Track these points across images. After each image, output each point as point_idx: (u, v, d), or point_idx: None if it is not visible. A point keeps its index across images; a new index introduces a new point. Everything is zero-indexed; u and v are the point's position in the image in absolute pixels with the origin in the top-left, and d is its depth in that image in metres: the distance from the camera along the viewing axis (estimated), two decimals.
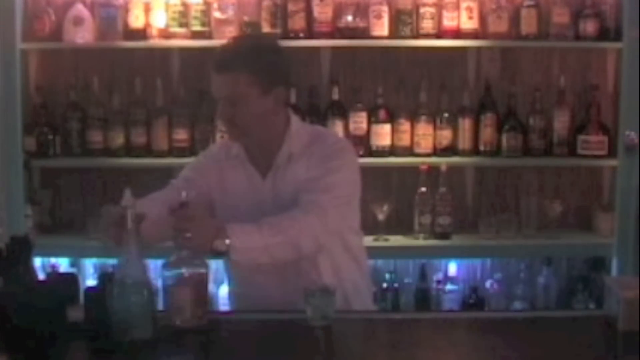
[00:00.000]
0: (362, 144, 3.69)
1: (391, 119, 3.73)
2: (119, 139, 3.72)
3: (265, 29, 3.66)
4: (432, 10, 3.66)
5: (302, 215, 2.32)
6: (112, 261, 2.10)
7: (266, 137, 2.46)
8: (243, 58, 2.36)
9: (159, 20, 3.66)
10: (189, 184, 2.45)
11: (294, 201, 2.41)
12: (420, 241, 3.69)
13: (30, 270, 2.15)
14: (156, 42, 3.68)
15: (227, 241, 2.20)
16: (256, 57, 2.37)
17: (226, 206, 2.51)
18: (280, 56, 2.45)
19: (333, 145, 2.50)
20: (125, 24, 3.68)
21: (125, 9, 3.68)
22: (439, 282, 3.80)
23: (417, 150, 3.73)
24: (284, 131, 2.47)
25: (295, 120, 2.54)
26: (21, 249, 2.13)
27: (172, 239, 2.14)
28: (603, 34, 3.69)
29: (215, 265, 3.84)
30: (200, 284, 2.12)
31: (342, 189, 2.44)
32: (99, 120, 3.73)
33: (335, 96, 3.70)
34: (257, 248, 2.26)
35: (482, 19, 3.71)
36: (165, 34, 3.67)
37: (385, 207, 3.64)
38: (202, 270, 2.12)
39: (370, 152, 3.72)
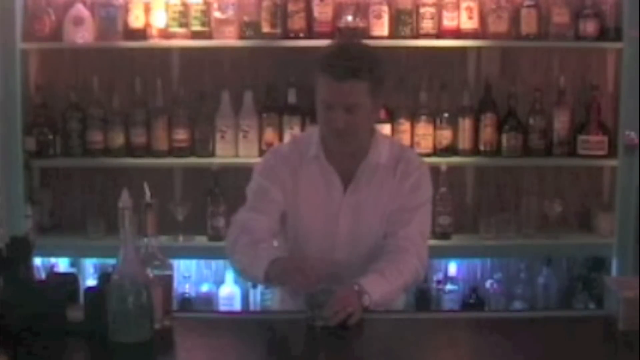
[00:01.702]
0: None
1: (391, 119, 3.72)
2: (119, 139, 3.72)
3: (265, 29, 3.66)
4: (432, 10, 3.66)
5: (409, 257, 2.43)
6: (112, 261, 2.11)
7: (360, 144, 2.47)
8: (367, 67, 2.36)
9: (159, 20, 3.66)
10: (265, 196, 2.47)
11: (371, 217, 2.47)
12: None
13: (30, 270, 2.15)
14: (156, 42, 3.68)
15: (367, 297, 2.25)
16: (373, 67, 2.38)
17: (299, 216, 2.50)
18: (386, 66, 2.47)
19: (419, 168, 2.56)
20: (125, 24, 3.68)
21: (125, 9, 3.67)
22: (439, 282, 3.80)
23: (417, 150, 3.73)
24: (369, 141, 2.49)
25: (378, 130, 2.58)
26: (21, 249, 2.13)
27: (311, 317, 2.17)
28: (603, 34, 3.68)
29: (215, 266, 3.86)
30: (167, 286, 2.11)
31: (429, 220, 2.59)
32: (99, 120, 3.73)
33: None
34: (389, 293, 2.36)
35: (482, 19, 3.71)
36: (165, 34, 3.67)
37: None
38: (168, 272, 2.12)
39: None
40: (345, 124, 2.37)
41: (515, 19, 3.70)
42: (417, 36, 3.69)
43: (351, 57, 2.38)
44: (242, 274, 2.54)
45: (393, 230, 2.48)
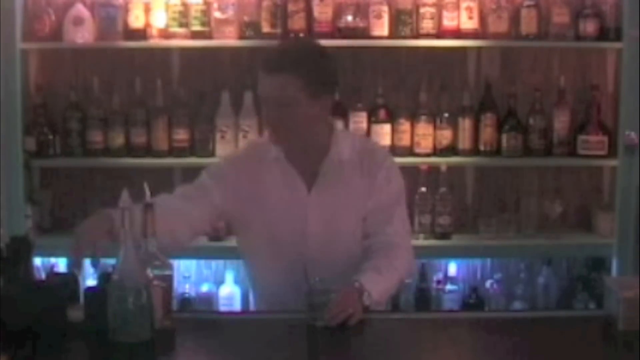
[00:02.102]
0: None
1: (391, 119, 3.73)
2: (119, 139, 3.72)
3: (265, 29, 3.66)
4: (432, 10, 3.66)
5: (401, 251, 2.44)
6: (112, 261, 2.11)
7: (310, 143, 2.43)
8: (295, 60, 2.32)
9: (159, 20, 3.66)
10: (203, 193, 2.42)
11: (343, 216, 2.44)
12: (420, 241, 3.69)
13: (30, 270, 2.15)
14: (156, 42, 3.68)
15: (366, 297, 2.26)
16: (307, 61, 2.34)
17: (266, 221, 2.46)
18: (330, 65, 2.42)
19: (385, 160, 2.53)
20: (125, 24, 3.68)
21: (125, 9, 3.67)
22: (439, 282, 3.80)
23: (417, 150, 3.73)
24: (329, 138, 2.46)
25: (338, 127, 2.55)
26: (21, 249, 2.13)
27: (311, 317, 2.16)
28: (603, 34, 3.68)
29: (215, 266, 3.86)
30: (167, 286, 2.11)
31: (406, 211, 2.56)
32: (99, 120, 3.73)
33: (336, 96, 3.69)
34: (387, 290, 2.39)
35: (482, 19, 3.71)
36: (165, 34, 3.67)
37: None
38: (168, 272, 2.12)
39: None
40: (278, 119, 2.34)
41: (515, 19, 3.70)
42: (417, 36, 3.69)
43: (282, 51, 2.38)
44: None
45: (377, 229, 2.46)
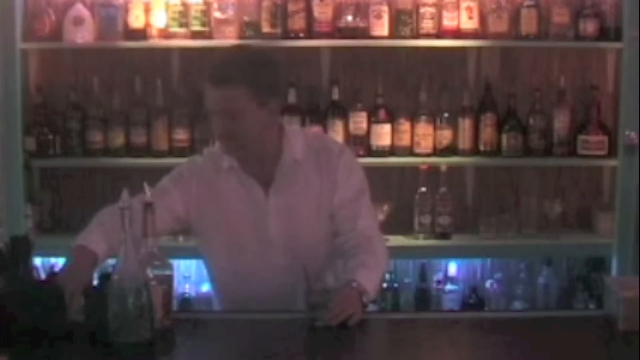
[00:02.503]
0: (362, 144, 3.69)
1: (391, 119, 3.73)
2: (119, 139, 3.72)
3: (265, 29, 3.66)
4: (432, 10, 3.66)
5: (377, 242, 2.43)
6: (111, 261, 2.11)
7: (262, 148, 2.41)
8: (240, 72, 2.28)
9: (159, 20, 3.66)
10: (164, 196, 2.40)
11: (305, 216, 2.43)
12: (420, 241, 3.69)
13: (30, 270, 2.15)
14: (156, 42, 3.68)
15: (365, 296, 2.24)
16: (253, 70, 2.31)
17: (227, 229, 2.45)
18: (275, 69, 2.39)
19: (342, 155, 2.49)
20: (125, 24, 3.68)
21: (125, 9, 3.68)
22: (439, 282, 3.80)
23: (417, 150, 3.73)
24: (280, 140, 2.44)
25: (288, 126, 2.53)
26: (21, 249, 2.13)
27: (311, 317, 2.16)
28: (603, 34, 3.69)
29: None
30: (167, 286, 2.11)
31: (369, 200, 2.52)
32: (99, 120, 3.73)
33: (335, 96, 3.70)
34: (378, 285, 2.36)
35: (482, 19, 3.71)
36: (165, 34, 3.67)
37: (385, 207, 3.63)
38: (168, 272, 2.11)
39: (370, 152, 3.72)
40: (228, 130, 2.32)
41: (515, 19, 3.70)
42: (417, 36, 3.69)
43: (226, 63, 2.33)
44: None
45: (348, 225, 2.44)
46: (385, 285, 3.74)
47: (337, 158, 2.47)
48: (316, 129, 3.59)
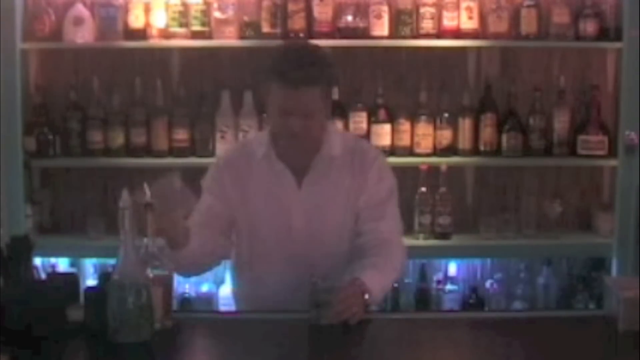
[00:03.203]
0: None
1: (391, 119, 3.73)
2: (119, 139, 3.72)
3: (265, 29, 3.66)
4: (432, 10, 3.66)
5: (395, 248, 2.48)
6: (112, 261, 2.11)
7: (312, 143, 2.47)
8: (319, 73, 2.36)
9: (159, 20, 3.66)
10: (211, 211, 2.45)
11: (331, 212, 2.46)
12: (420, 241, 3.69)
13: (30, 270, 2.15)
14: (156, 42, 3.68)
15: (367, 296, 2.26)
16: (327, 72, 2.40)
17: (251, 214, 2.48)
18: (333, 63, 2.48)
19: (377, 159, 2.56)
20: (125, 24, 3.68)
21: (125, 9, 3.67)
22: (439, 282, 3.80)
23: (417, 150, 3.73)
24: (322, 134, 2.47)
25: (330, 123, 2.58)
26: (21, 249, 2.13)
27: (314, 316, 2.17)
28: (603, 34, 3.68)
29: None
30: (167, 286, 2.11)
31: (396, 208, 2.57)
32: (99, 120, 3.73)
33: (335, 96, 3.69)
34: (385, 288, 2.42)
35: (482, 19, 3.71)
36: (165, 34, 3.67)
37: None
38: (168, 272, 2.11)
39: None
40: (303, 130, 2.36)
41: (515, 19, 3.70)
42: (417, 36, 3.69)
43: (304, 64, 2.35)
44: (181, 270, 2.46)
45: (370, 226, 2.47)
46: None
47: (372, 160, 2.53)
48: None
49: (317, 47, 2.54)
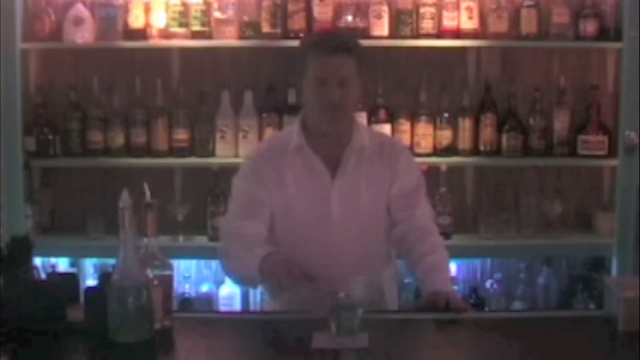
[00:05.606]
0: None
1: (391, 119, 3.73)
2: (119, 139, 3.72)
3: (265, 29, 3.66)
4: (432, 10, 3.66)
5: (437, 238, 2.57)
6: (112, 261, 2.11)
7: (348, 126, 2.53)
8: (353, 43, 2.50)
9: (159, 20, 3.66)
10: (254, 200, 2.50)
11: (364, 200, 2.52)
12: None
13: (30, 270, 2.15)
14: (156, 42, 3.68)
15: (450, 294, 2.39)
16: (360, 46, 2.53)
17: (290, 207, 2.52)
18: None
19: (404, 150, 2.67)
20: (125, 24, 3.68)
21: (125, 9, 3.68)
22: None
23: (417, 150, 3.73)
24: (352, 126, 2.55)
25: (358, 118, 2.67)
26: (21, 249, 2.13)
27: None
28: (603, 34, 3.68)
29: (215, 266, 3.86)
30: (167, 286, 2.11)
31: (426, 197, 2.65)
32: (99, 120, 3.73)
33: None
34: (450, 275, 2.58)
35: (482, 19, 3.71)
36: (165, 34, 3.67)
37: None
38: (168, 272, 2.12)
39: None
40: (338, 98, 2.43)
41: (515, 19, 3.70)
42: (417, 36, 3.69)
43: (338, 36, 2.61)
44: (239, 279, 2.56)
45: (406, 213, 2.54)
46: None
47: (400, 151, 2.62)
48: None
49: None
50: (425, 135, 3.73)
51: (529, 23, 3.67)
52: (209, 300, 3.78)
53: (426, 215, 2.59)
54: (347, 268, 2.38)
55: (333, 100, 2.43)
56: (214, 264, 3.85)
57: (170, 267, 2.13)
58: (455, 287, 3.77)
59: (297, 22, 3.65)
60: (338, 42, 2.46)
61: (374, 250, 2.57)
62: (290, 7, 3.65)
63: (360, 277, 2.17)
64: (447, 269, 2.53)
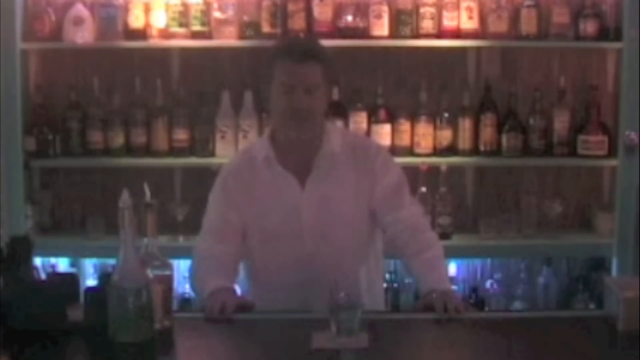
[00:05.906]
0: None
1: (391, 119, 3.73)
2: (119, 139, 3.72)
3: (265, 29, 3.66)
4: (432, 10, 3.66)
5: (429, 235, 2.57)
6: (112, 261, 2.12)
7: (315, 133, 2.51)
8: (320, 50, 2.50)
9: (159, 20, 3.66)
10: (224, 221, 2.52)
11: (339, 208, 2.49)
12: None
13: (30, 270, 2.15)
14: (156, 42, 3.68)
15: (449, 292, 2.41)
16: (327, 53, 2.52)
17: (260, 218, 2.52)
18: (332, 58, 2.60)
19: (379, 152, 2.62)
20: (125, 24, 3.68)
21: (125, 9, 3.67)
22: None
23: (417, 150, 3.73)
24: (321, 132, 2.53)
25: (327, 122, 2.62)
26: (21, 249, 2.13)
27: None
28: (603, 34, 3.68)
29: None
30: (167, 286, 2.11)
31: (410, 194, 2.64)
32: (99, 120, 3.73)
33: (335, 96, 3.70)
34: (447, 271, 2.60)
35: (482, 19, 3.71)
36: (165, 34, 3.67)
37: None
38: (168, 272, 2.12)
39: None
40: (306, 106, 2.42)
41: (515, 19, 3.70)
42: (417, 36, 3.69)
43: (305, 43, 2.63)
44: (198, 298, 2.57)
45: (393, 216, 2.51)
46: (385, 285, 3.74)
47: (375, 154, 2.58)
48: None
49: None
50: (425, 135, 3.73)
51: (529, 23, 3.67)
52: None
53: (414, 213, 2.57)
54: (323, 277, 2.36)
55: (300, 107, 2.42)
56: None
57: (170, 267, 2.13)
58: (455, 287, 3.77)
59: (297, 22, 3.65)
60: (305, 49, 2.47)
61: (352, 259, 2.53)
62: (290, 7, 3.65)
63: (334, 280, 2.17)
64: (442, 265, 2.50)
